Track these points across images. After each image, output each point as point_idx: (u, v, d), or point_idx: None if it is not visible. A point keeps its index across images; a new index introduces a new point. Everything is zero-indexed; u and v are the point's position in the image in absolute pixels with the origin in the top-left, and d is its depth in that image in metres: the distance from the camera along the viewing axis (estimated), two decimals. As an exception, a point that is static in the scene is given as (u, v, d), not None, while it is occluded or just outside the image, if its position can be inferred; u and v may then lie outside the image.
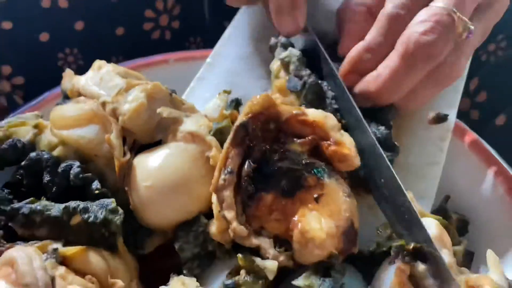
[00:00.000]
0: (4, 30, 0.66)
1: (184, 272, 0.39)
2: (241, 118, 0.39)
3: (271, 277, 0.36)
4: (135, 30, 0.72)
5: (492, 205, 0.49)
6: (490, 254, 0.41)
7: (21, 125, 0.43)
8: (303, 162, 0.39)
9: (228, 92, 0.51)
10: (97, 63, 0.47)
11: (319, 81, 0.46)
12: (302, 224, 0.37)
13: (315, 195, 0.38)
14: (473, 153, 0.51)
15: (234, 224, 0.37)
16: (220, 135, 0.45)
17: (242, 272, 0.37)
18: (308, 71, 0.46)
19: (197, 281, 0.38)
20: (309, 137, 0.40)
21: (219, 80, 0.55)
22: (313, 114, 0.41)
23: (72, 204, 0.37)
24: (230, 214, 0.37)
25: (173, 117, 0.42)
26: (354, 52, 0.47)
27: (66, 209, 0.36)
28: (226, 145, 0.39)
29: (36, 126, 0.43)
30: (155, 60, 0.59)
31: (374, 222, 0.44)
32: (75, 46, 0.69)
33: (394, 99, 0.46)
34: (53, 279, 0.32)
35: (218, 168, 0.38)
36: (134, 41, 0.72)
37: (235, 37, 0.59)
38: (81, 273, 0.35)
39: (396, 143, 0.46)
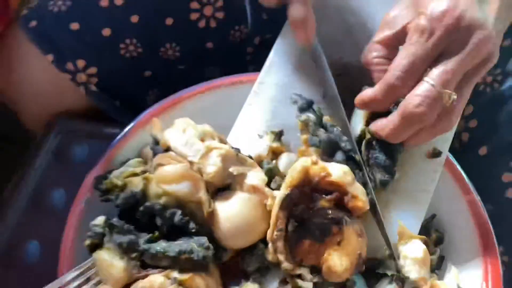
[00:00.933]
0: (73, 30, 0.78)
1: (250, 280, 0.61)
2: (285, 189, 0.58)
3: (307, 293, 0.59)
4: (182, 19, 0.82)
5: (461, 224, 0.67)
6: (453, 269, 0.63)
7: (132, 175, 0.61)
8: (330, 216, 0.59)
9: (275, 133, 0.67)
10: (181, 125, 0.62)
11: (331, 136, 0.63)
12: (328, 262, 0.58)
13: (338, 240, 0.58)
14: (454, 182, 0.67)
15: (285, 264, 0.58)
16: (270, 172, 0.64)
17: (289, 286, 0.59)
18: (322, 131, 0.63)
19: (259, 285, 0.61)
20: (334, 195, 0.59)
21: (264, 107, 0.69)
22: (336, 174, 0.59)
23: (183, 248, 0.57)
24: (281, 256, 0.58)
25: (240, 173, 0.61)
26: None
27: (179, 252, 0.57)
28: (275, 211, 0.58)
29: (144, 178, 0.61)
30: (202, 89, 0.71)
31: (378, 236, 0.64)
32: (133, 36, 0.81)
33: (398, 141, 0.63)
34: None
35: (272, 228, 0.58)
36: (183, 30, 0.83)
37: (276, 65, 0.70)
38: (190, 290, 0.57)
39: (395, 170, 0.65)
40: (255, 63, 0.79)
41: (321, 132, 0.63)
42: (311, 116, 0.64)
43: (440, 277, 0.65)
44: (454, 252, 0.67)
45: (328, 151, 0.63)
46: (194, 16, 0.83)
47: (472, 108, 0.79)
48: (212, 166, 0.60)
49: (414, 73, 0.59)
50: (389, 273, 0.61)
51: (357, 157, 0.63)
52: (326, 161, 0.62)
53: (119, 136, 0.68)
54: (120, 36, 0.79)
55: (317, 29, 0.68)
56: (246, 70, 0.79)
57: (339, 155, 0.62)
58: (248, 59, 0.88)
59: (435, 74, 0.58)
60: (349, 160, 0.63)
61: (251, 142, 0.68)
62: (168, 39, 0.83)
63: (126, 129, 0.69)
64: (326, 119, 0.66)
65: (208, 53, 0.84)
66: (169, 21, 0.81)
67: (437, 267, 0.66)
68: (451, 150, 0.68)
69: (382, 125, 0.62)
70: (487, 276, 0.62)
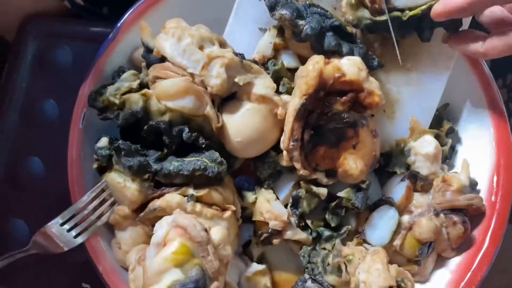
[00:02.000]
0: None
1: (264, 186, 0.61)
2: (300, 98, 0.54)
3: (323, 197, 0.59)
4: None
5: (476, 120, 0.64)
6: (464, 162, 0.62)
7: (129, 91, 0.57)
8: (345, 120, 0.56)
9: (277, 28, 0.61)
10: (174, 30, 0.56)
11: (312, 24, 0.57)
12: (344, 166, 0.57)
13: (354, 143, 0.57)
14: (474, 74, 0.63)
15: (301, 171, 0.57)
16: (277, 74, 0.60)
17: (303, 190, 0.59)
18: (302, 23, 0.57)
19: (273, 191, 0.60)
20: (349, 96, 0.56)
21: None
22: (350, 73, 0.55)
23: (197, 165, 0.55)
24: (298, 165, 0.56)
25: (247, 82, 0.56)
26: None
27: (193, 170, 0.55)
28: (290, 121, 0.55)
29: (143, 95, 0.56)
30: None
31: (390, 128, 0.62)
32: None
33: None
34: (206, 230, 0.53)
35: (287, 138, 0.55)
36: None
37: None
38: (208, 204, 0.57)
39: None
40: None
41: (302, 24, 0.57)
42: (284, 12, 0.57)
43: (451, 167, 0.66)
44: (466, 141, 0.66)
45: (317, 39, 0.57)
46: None
47: None
48: (216, 78, 0.55)
49: None
50: (398, 171, 0.61)
51: (349, 29, 0.59)
52: (319, 50, 0.57)
53: (105, 42, 0.62)
54: None
55: None
56: None
57: (329, 38, 0.57)
58: None
59: None
60: (343, 37, 0.58)
61: (251, 38, 0.63)
62: None
63: (112, 33, 0.63)
64: None
65: None
66: None
67: (449, 157, 0.65)
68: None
69: None
70: (499, 168, 0.62)
